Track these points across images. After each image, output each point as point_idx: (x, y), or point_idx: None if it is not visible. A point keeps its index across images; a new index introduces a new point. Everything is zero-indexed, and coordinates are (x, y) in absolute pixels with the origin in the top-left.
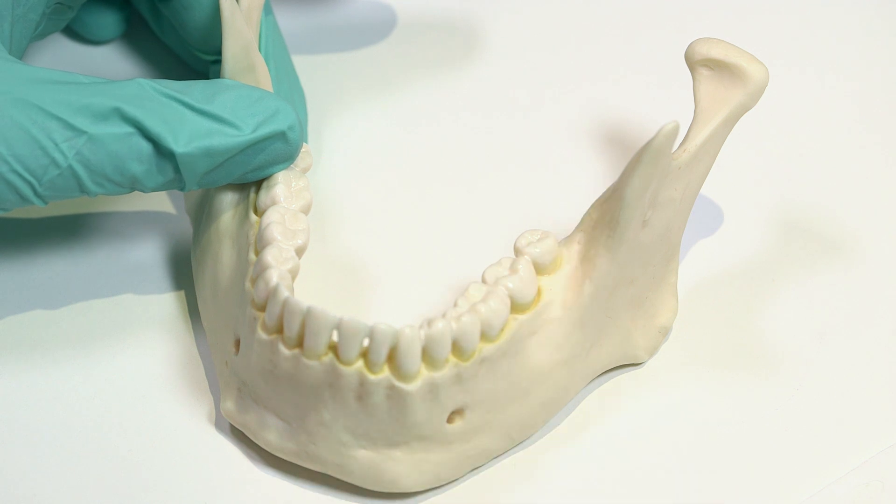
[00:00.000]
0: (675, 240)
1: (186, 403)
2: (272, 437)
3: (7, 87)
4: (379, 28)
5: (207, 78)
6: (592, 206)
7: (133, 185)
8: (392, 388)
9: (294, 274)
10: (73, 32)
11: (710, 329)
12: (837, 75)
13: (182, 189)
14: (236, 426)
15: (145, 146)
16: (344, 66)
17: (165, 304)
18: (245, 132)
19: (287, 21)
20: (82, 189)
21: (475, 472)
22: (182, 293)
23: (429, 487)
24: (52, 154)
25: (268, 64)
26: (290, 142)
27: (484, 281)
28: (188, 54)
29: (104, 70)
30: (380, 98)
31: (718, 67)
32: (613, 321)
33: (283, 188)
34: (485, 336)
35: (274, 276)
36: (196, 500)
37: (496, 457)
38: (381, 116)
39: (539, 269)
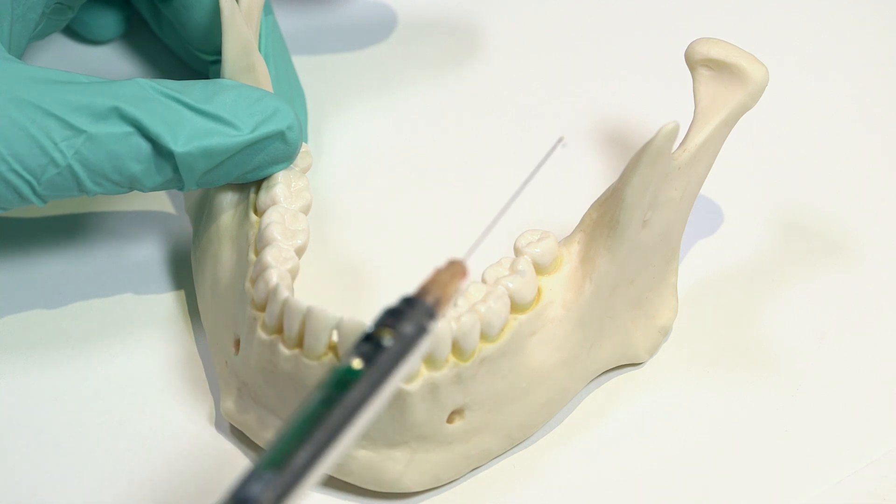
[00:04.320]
0: (675, 240)
1: (186, 403)
2: (272, 437)
3: (6, 86)
4: (379, 28)
5: (207, 78)
6: (592, 206)
7: (132, 184)
8: None
9: (294, 274)
10: (73, 32)
11: (710, 329)
12: (837, 75)
13: (181, 189)
14: (236, 426)
15: (144, 146)
16: (344, 66)
17: (165, 304)
18: (244, 132)
19: (287, 21)
20: (81, 188)
21: (475, 472)
22: (182, 293)
23: (429, 487)
24: (51, 153)
25: (268, 64)
26: (289, 142)
27: (484, 281)
28: (188, 54)
29: (104, 70)
30: (380, 98)
31: (718, 67)
32: (613, 321)
33: (283, 188)
34: (485, 336)
35: (274, 276)
36: (196, 500)
37: (496, 457)
38: (381, 116)
39: (539, 269)
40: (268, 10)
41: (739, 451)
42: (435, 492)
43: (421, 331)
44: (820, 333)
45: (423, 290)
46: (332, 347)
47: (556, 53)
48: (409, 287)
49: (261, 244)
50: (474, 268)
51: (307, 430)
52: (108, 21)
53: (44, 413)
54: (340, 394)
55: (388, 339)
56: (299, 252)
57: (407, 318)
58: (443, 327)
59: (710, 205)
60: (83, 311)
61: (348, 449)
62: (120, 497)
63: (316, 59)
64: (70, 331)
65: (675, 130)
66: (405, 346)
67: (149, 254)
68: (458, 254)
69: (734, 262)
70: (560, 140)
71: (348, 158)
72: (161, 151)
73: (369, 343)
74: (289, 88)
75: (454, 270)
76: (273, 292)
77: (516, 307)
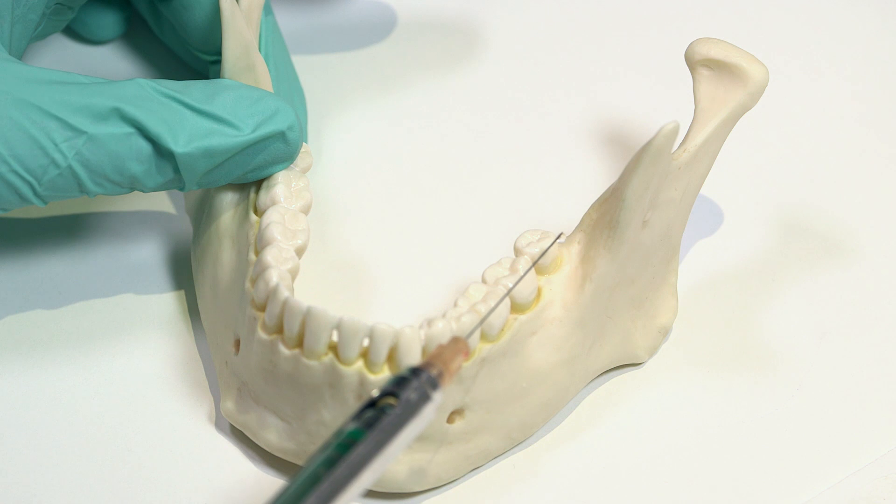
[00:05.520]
0: (675, 240)
1: (186, 403)
2: (272, 437)
3: (7, 87)
4: (379, 28)
5: (207, 78)
6: (592, 207)
7: (133, 184)
8: None
9: (294, 274)
10: (73, 32)
11: (710, 329)
12: (837, 75)
13: (182, 189)
14: (236, 426)
15: (145, 146)
16: (344, 66)
17: (165, 304)
18: (244, 132)
19: (287, 21)
20: (82, 189)
21: (475, 472)
22: (182, 293)
23: (429, 487)
24: (51, 154)
25: (268, 64)
26: (290, 142)
27: (484, 281)
28: (188, 54)
29: (104, 70)
30: (380, 98)
31: (718, 67)
32: (613, 321)
33: (283, 188)
34: (485, 336)
35: (274, 276)
36: (196, 500)
37: (496, 457)
38: (381, 116)
39: (539, 269)
40: (268, 10)
41: (739, 451)
42: (435, 492)
43: (424, 398)
44: (820, 333)
45: (428, 363)
46: (332, 347)
47: (556, 53)
48: (409, 287)
49: (261, 244)
50: (475, 267)
51: (308, 489)
52: (108, 21)
53: (44, 413)
54: (343, 455)
55: (391, 406)
56: (299, 252)
57: (411, 386)
58: (443, 327)
59: (710, 205)
60: (83, 311)
61: None
62: (120, 497)
63: (316, 59)
64: (70, 331)
65: (675, 130)
66: (408, 412)
67: (149, 254)
68: (456, 253)
69: (734, 262)
70: (560, 235)
71: (348, 158)
72: (161, 152)
73: (374, 409)
74: (289, 88)
75: (457, 348)
76: (273, 292)
77: (516, 307)
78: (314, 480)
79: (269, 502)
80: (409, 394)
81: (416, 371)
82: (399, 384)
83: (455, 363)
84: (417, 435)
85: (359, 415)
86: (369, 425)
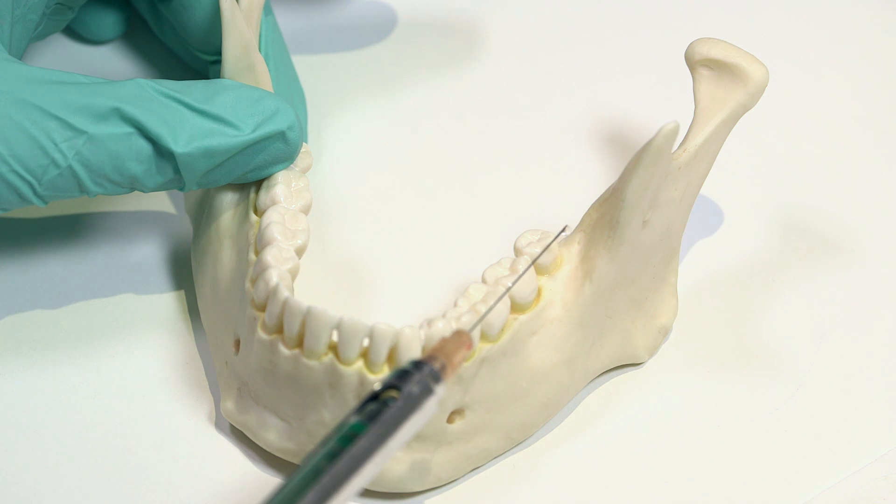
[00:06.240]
0: (675, 240)
1: (186, 403)
2: (272, 437)
3: (7, 87)
4: (379, 28)
5: (207, 78)
6: (592, 207)
7: (133, 184)
8: None
9: (294, 274)
10: (73, 32)
11: (710, 329)
12: (837, 75)
13: (182, 189)
14: (236, 426)
15: (145, 146)
16: (344, 66)
17: (165, 304)
18: (244, 132)
19: (287, 21)
20: (82, 189)
21: (475, 472)
22: (182, 293)
23: (429, 487)
24: (51, 154)
25: (268, 64)
26: (290, 142)
27: (484, 281)
28: (188, 54)
29: (104, 70)
30: (380, 98)
31: (718, 67)
32: (613, 321)
33: (283, 188)
34: (485, 336)
35: (274, 276)
36: (196, 500)
37: (496, 457)
38: (381, 116)
39: (539, 269)
40: (268, 10)
41: (739, 451)
42: (435, 492)
43: (427, 391)
44: (820, 333)
45: (431, 356)
46: (332, 347)
47: (556, 53)
48: (409, 287)
49: (261, 244)
50: (475, 267)
51: (310, 482)
52: (108, 21)
53: (44, 413)
54: (345, 448)
55: (393, 399)
56: (299, 252)
57: (413, 380)
58: (443, 327)
59: (710, 205)
60: (83, 311)
61: (352, 498)
62: (120, 497)
63: (316, 59)
64: (70, 331)
65: (675, 130)
66: (410, 405)
67: (149, 254)
68: (456, 253)
69: (734, 262)
70: (564, 228)
71: (348, 158)
72: (162, 152)
73: (376, 402)
74: (289, 88)
75: (460, 341)
76: (273, 292)
77: (516, 307)
78: (316, 473)
79: (271, 496)
80: (412, 387)
81: (418, 364)
82: (401, 377)
83: (458, 356)
84: (420, 428)
85: (361, 408)
86: (371, 418)
